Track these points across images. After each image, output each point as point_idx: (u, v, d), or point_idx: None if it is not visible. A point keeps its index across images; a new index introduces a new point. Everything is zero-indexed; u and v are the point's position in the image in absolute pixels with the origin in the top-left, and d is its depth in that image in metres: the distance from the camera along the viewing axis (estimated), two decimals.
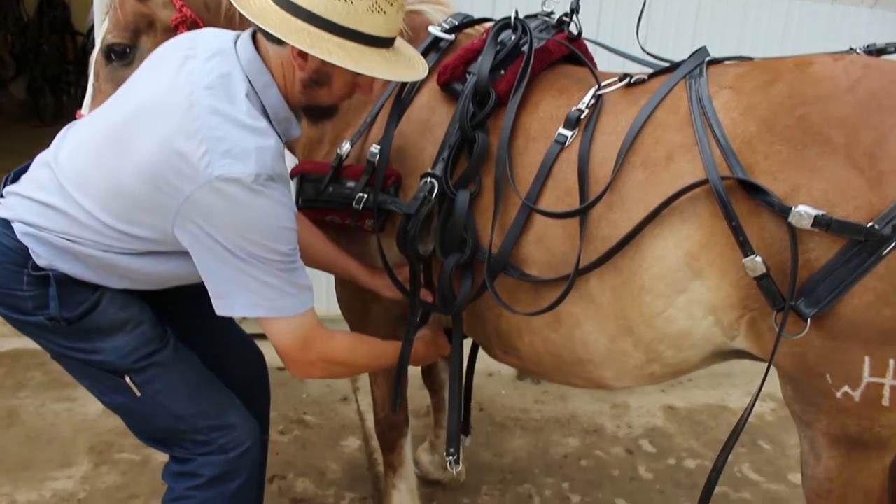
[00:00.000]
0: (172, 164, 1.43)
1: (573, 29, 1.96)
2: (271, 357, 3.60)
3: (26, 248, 1.57)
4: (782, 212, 1.43)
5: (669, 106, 1.64)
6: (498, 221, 1.74)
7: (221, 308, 1.55)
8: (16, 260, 1.58)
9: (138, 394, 1.67)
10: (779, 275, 1.47)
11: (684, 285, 1.58)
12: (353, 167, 1.91)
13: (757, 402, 3.59)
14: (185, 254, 1.55)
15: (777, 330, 1.48)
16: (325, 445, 3.02)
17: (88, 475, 2.70)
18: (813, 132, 1.45)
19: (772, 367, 1.57)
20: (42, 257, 1.57)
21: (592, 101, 1.71)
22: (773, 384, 1.64)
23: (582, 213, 1.63)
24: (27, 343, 3.57)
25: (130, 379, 1.66)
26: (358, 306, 2.13)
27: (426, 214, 1.78)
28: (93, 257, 1.58)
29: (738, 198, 1.49)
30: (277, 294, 1.52)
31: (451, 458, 2.04)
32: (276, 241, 1.49)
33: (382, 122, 1.91)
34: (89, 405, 3.10)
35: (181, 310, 1.85)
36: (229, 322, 2.10)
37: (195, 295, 1.70)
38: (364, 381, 3.56)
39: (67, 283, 1.60)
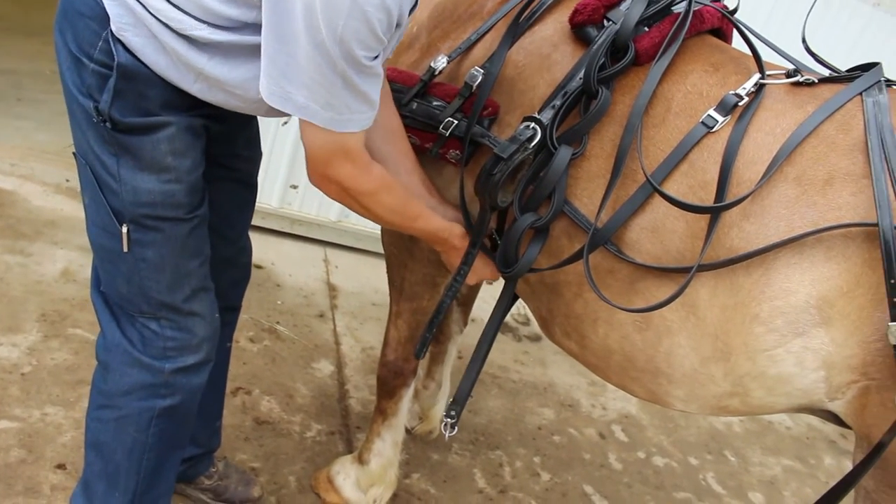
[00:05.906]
0: None
1: (730, 1, 1.69)
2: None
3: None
4: None
5: (840, 123, 1.43)
6: (611, 195, 1.51)
7: (262, 87, 1.29)
8: (100, 16, 1.31)
9: (125, 249, 1.44)
10: None
11: (806, 329, 1.40)
12: (446, 86, 1.67)
13: None
14: (256, 61, 1.30)
15: None
16: (296, 364, 2.80)
17: (36, 347, 2.40)
18: None
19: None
20: (115, 20, 1.30)
21: (753, 90, 1.48)
22: None
23: (714, 211, 1.41)
24: None
25: (128, 231, 1.43)
26: (404, 240, 1.91)
27: (517, 163, 1.55)
28: (166, 30, 1.31)
29: None
30: (315, 97, 1.27)
31: (449, 419, 1.85)
32: (349, 34, 1.20)
33: (490, 43, 1.66)
34: (46, 264, 2.76)
35: (225, 187, 1.70)
36: (248, 218, 1.87)
37: (242, 180, 1.74)
38: (343, 299, 3.33)
39: (136, 81, 1.34)
